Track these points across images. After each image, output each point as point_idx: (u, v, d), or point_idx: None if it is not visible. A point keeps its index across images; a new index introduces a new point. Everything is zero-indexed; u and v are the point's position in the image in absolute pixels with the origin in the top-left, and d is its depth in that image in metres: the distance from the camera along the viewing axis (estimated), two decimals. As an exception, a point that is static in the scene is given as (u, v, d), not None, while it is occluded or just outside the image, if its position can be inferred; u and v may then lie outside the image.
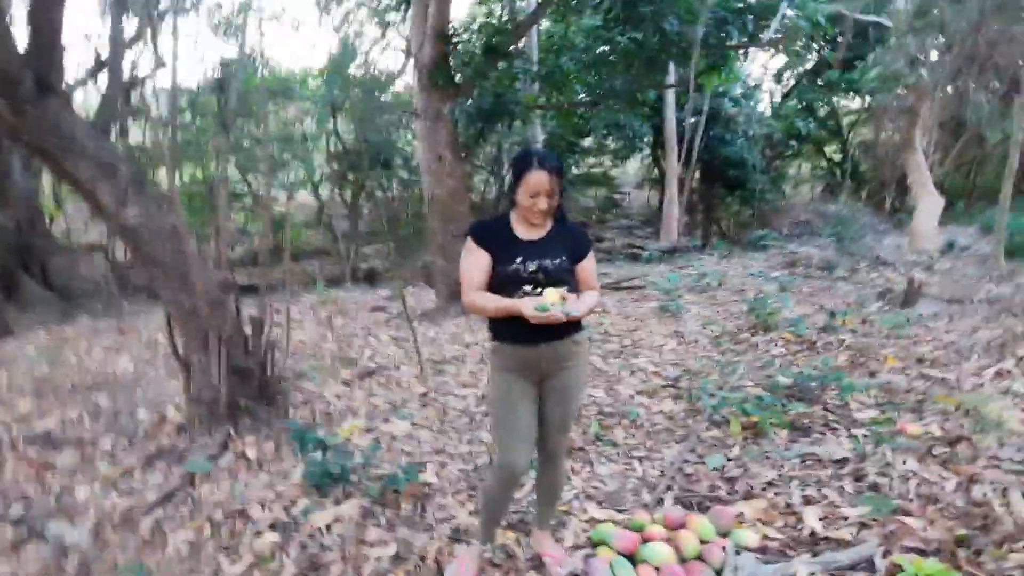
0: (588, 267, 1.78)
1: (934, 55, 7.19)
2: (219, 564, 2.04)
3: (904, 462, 2.41)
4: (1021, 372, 3.45)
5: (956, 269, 7.09)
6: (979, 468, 2.33)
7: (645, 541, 1.95)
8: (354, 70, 11.16)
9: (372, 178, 14.02)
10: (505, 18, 6.81)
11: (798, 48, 11.70)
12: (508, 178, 1.84)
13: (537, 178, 1.61)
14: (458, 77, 5.87)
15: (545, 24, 8.09)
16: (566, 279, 1.68)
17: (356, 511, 2.26)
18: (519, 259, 1.64)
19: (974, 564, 1.80)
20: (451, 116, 5.95)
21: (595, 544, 2.00)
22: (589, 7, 6.16)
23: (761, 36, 6.00)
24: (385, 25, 10.45)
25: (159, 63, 6.28)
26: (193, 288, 2.88)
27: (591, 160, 17.08)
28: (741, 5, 5.27)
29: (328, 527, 2.19)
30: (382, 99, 10.74)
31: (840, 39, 11.97)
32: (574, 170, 15.70)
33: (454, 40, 5.62)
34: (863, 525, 2.03)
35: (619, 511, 2.21)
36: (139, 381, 4.16)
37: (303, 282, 9.67)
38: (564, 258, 1.69)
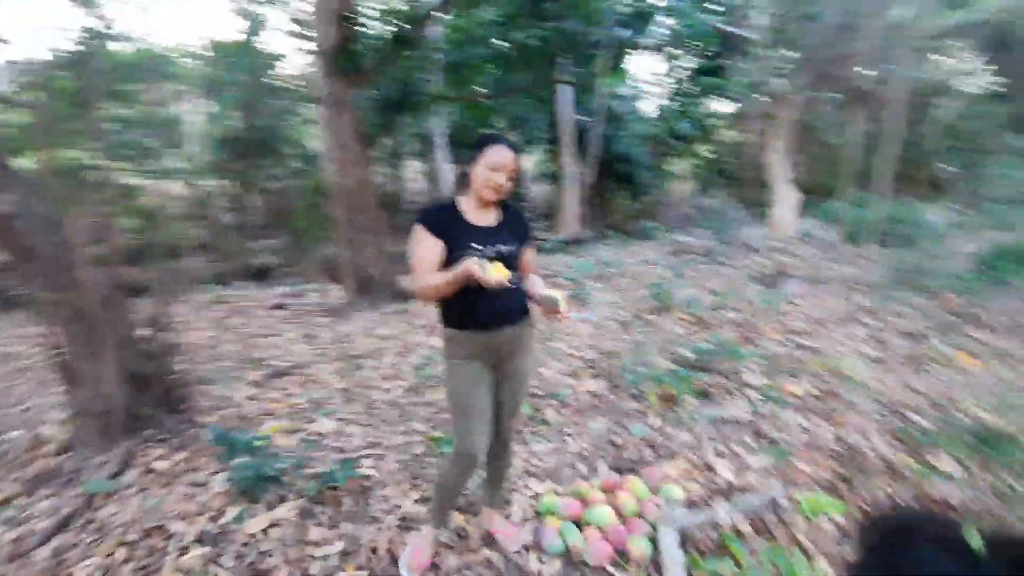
0: (529, 254, 1.82)
1: (790, 67, 8.25)
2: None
3: (791, 417, 2.80)
4: (869, 337, 4.14)
5: (810, 254, 8.21)
6: (848, 418, 2.79)
7: (587, 506, 2.09)
8: (239, 50, 10.22)
9: (261, 167, 13.00)
10: (409, 6, 6.65)
11: (680, 53, 12.74)
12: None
13: (501, 153, 1.62)
14: (363, 64, 5.66)
15: (448, 16, 8.04)
16: (517, 265, 1.72)
17: (293, 513, 2.16)
18: (474, 243, 1.63)
19: (853, 494, 2.17)
20: (356, 104, 5.73)
21: (542, 515, 2.11)
22: (495, 2, 6.26)
23: (648, 41, 6.50)
24: (271, 2, 9.70)
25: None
26: (79, 285, 2.54)
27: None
28: (632, 10, 5.65)
29: (265, 532, 2.07)
30: (270, 82, 9.96)
31: (710, 49, 13.21)
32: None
33: (359, 24, 5.41)
34: (766, 472, 2.35)
35: (559, 484, 2.34)
36: (-4, 399, 3.58)
37: (188, 281, 8.73)
38: (516, 244, 1.72)
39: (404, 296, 6.27)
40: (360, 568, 1.90)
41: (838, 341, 3.99)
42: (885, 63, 7.47)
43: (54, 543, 2.08)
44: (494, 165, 1.63)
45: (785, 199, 9.97)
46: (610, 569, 1.85)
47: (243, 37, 8.70)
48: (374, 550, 1.97)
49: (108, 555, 2.01)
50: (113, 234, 3.06)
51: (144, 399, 2.86)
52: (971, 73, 12.99)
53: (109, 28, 8.78)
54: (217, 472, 2.49)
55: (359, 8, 5.38)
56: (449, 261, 1.63)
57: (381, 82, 5.91)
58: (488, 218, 1.72)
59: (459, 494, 1.85)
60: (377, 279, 6.14)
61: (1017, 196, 10.12)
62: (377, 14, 6.62)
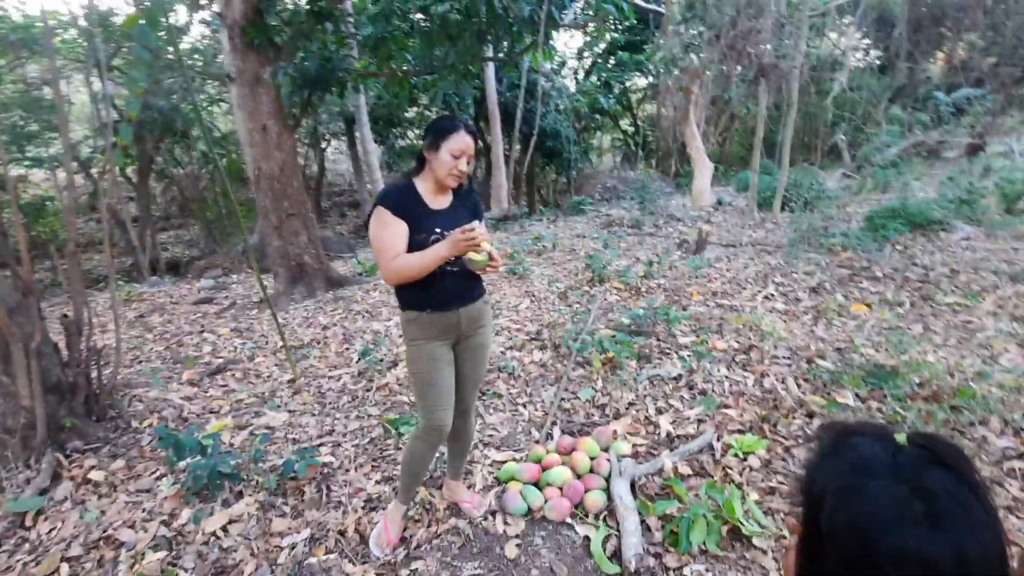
0: (481, 229, 1.90)
1: (703, 43, 8.68)
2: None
3: (718, 370, 3.08)
4: (779, 294, 4.56)
5: (725, 221, 8.80)
6: (766, 367, 3.10)
7: (545, 469, 2.23)
8: (143, 24, 9.24)
9: (162, 152, 11.96)
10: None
11: (600, 28, 12.96)
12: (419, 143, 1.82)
13: (463, 139, 1.65)
14: (277, 39, 5.35)
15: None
16: None
17: (254, 507, 2.14)
18: (437, 228, 1.67)
19: (774, 433, 2.46)
20: (273, 81, 5.42)
21: (503, 481, 2.22)
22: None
23: (566, 17, 6.57)
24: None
25: None
26: (-19, 292, 2.31)
27: (413, 133, 16.87)
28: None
29: (224, 530, 2.05)
30: (170, 58, 9.10)
31: (625, 23, 13.54)
32: (400, 142, 15.39)
33: (270, -3, 5.09)
34: (700, 421, 2.59)
35: (516, 451, 2.47)
36: None
37: (88, 279, 7.95)
38: (470, 222, 1.73)
39: (339, 282, 6.12)
40: (330, 552, 1.93)
41: (753, 300, 4.38)
42: (784, 39, 8.04)
43: (-14, 568, 1.94)
44: (457, 151, 1.65)
45: (702, 170, 10.57)
46: (570, 522, 2.00)
47: (133, 9, 7.85)
48: (342, 533, 2.01)
49: (50, 573, 1.90)
50: (7, 232, 2.77)
51: (66, 409, 2.67)
52: (856, 48, 14.24)
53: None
54: (161, 476, 2.41)
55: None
56: (414, 244, 1.66)
57: (297, 58, 5.61)
58: (444, 200, 1.76)
59: (427, 468, 1.92)
60: (310, 266, 5.94)
61: (894, 161, 11.32)
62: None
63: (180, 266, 11.83)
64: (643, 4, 11.82)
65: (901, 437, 0.59)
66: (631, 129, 19.39)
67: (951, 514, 0.51)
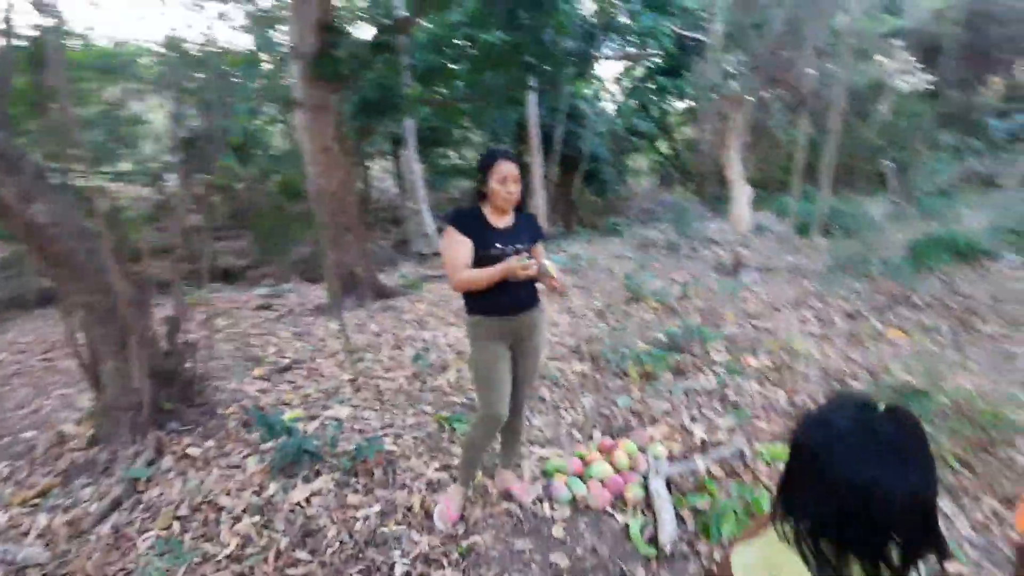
0: (541, 248, 2.18)
1: (743, 70, 8.87)
2: (204, 551, 2.10)
3: (751, 386, 3.25)
4: (814, 318, 4.67)
5: (764, 245, 8.86)
6: (797, 385, 3.25)
7: (587, 464, 2.46)
8: (196, 48, 10.11)
9: (226, 168, 12.82)
10: (384, 12, 6.85)
11: (640, 55, 13.28)
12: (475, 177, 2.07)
13: (505, 166, 1.94)
14: (343, 69, 5.85)
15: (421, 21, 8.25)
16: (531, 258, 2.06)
17: (330, 484, 2.44)
18: (498, 244, 1.95)
19: (802, 443, 2.61)
20: (337, 108, 5.91)
21: (550, 474, 2.46)
22: (463, 5, 6.53)
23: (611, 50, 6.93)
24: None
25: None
26: (110, 288, 2.72)
27: (454, 153, 17.46)
28: (597, 20, 6.05)
29: (307, 501, 2.35)
30: (239, 82, 9.88)
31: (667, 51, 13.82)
32: (442, 161, 15.99)
33: (340, 31, 5.59)
34: (731, 431, 2.77)
35: (561, 449, 2.70)
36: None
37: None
38: (529, 243, 2.05)
39: (387, 294, 6.51)
40: (398, 524, 2.21)
41: (789, 322, 4.50)
42: (827, 66, 8.15)
43: (110, 522, 2.29)
44: (502, 178, 1.94)
45: (740, 194, 10.64)
46: (610, 511, 2.22)
47: (232, 45, 8.65)
48: (409, 509, 2.28)
49: (165, 528, 2.24)
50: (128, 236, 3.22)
51: (166, 394, 3.06)
52: (906, 72, 14.09)
53: (63, 24, 8.54)
54: (248, 455, 2.74)
55: (338, 17, 5.55)
56: (478, 256, 1.94)
57: (359, 87, 6.11)
58: (506, 221, 2.04)
59: (483, 455, 2.19)
60: (361, 277, 6.35)
61: (943, 189, 11.11)
62: (352, 18, 6.79)
63: (233, 274, 12.57)
64: (683, 32, 12.09)
65: (880, 404, 0.83)
66: (669, 152, 19.52)
67: (885, 453, 0.75)
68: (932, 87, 14.02)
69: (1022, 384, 3.17)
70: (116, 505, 2.39)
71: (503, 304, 1.98)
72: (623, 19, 5.70)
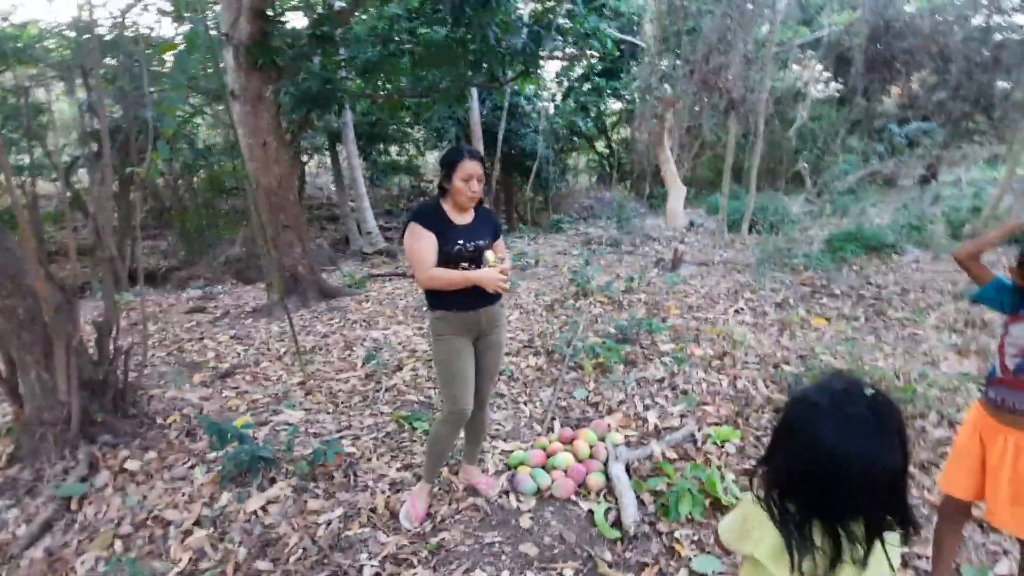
0: (500, 246, 2.20)
1: (677, 75, 9.28)
2: (153, 569, 1.98)
3: (697, 373, 3.43)
4: (748, 309, 4.98)
5: (698, 241, 9.33)
6: (738, 371, 3.47)
7: (550, 456, 2.51)
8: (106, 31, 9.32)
9: (144, 162, 11.90)
10: (324, 3, 6.60)
11: (580, 55, 13.55)
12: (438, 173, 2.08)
13: (470, 165, 1.95)
14: (280, 60, 5.60)
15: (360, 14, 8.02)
16: None
17: (288, 490, 2.36)
18: (460, 241, 1.98)
19: (746, 425, 2.80)
20: (274, 99, 5.65)
21: (513, 466, 2.50)
22: (408, 2, 6.43)
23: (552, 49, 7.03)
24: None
25: None
26: (30, 292, 2.48)
27: (396, 149, 17.15)
28: (536, 19, 6.15)
29: (264, 510, 2.26)
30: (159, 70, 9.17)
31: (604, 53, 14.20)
32: (382, 157, 15.65)
33: (276, 19, 5.35)
34: (682, 416, 2.92)
35: (522, 442, 2.75)
36: None
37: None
38: (489, 239, 2.09)
39: (331, 294, 6.31)
40: (363, 526, 2.17)
41: (725, 313, 4.78)
42: (752, 72, 8.68)
43: (42, 545, 2.11)
44: (466, 176, 1.95)
45: (675, 192, 11.14)
46: (575, 499, 2.29)
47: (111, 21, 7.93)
48: (373, 510, 2.24)
49: (106, 547, 2.09)
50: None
51: (97, 405, 2.84)
52: (818, 81, 15.23)
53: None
54: (194, 466, 2.60)
55: (274, 3, 5.31)
56: (441, 253, 1.96)
57: (297, 78, 5.88)
58: (466, 217, 2.07)
59: (450, 449, 2.18)
60: (304, 277, 6.12)
61: (851, 188, 12.13)
62: (289, 7, 6.51)
63: (157, 276, 11.72)
64: (620, 35, 12.47)
65: (868, 390, 0.91)
66: (606, 151, 20.06)
67: (852, 425, 0.84)
68: (841, 94, 15.27)
69: (930, 363, 3.54)
70: (47, 527, 2.20)
71: (466, 299, 2.00)
72: (563, 21, 5.80)
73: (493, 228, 2.15)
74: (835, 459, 0.85)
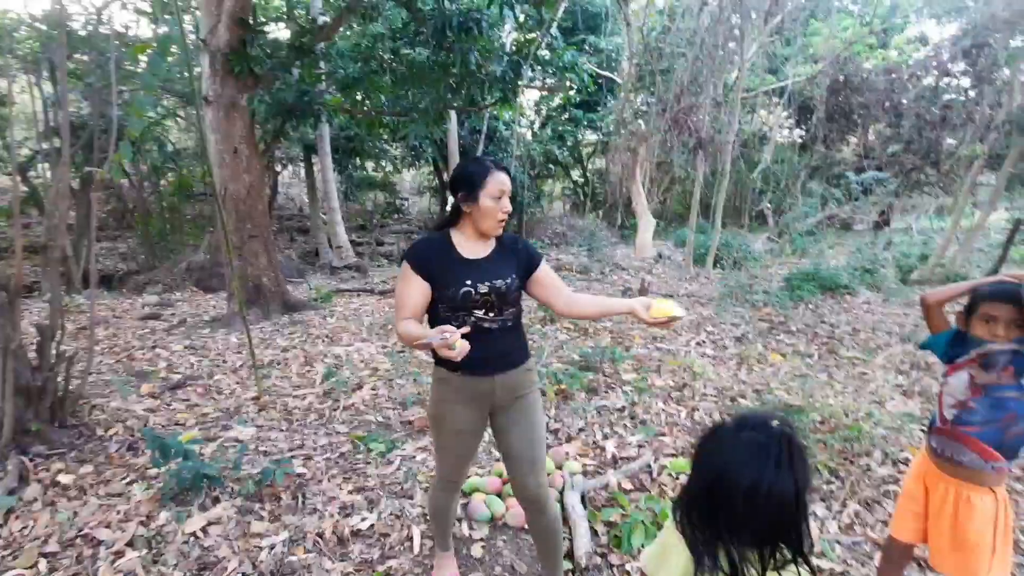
0: (549, 273, 1.68)
1: (651, 112, 9.63)
2: (77, 593, 1.86)
3: (656, 404, 3.48)
4: (710, 341, 5.10)
5: (665, 272, 9.55)
6: (696, 403, 3.53)
7: (506, 483, 2.49)
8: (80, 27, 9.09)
9: (116, 162, 11.54)
10: (306, 16, 6.62)
11: (560, 86, 13.91)
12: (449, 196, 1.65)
13: (500, 178, 1.53)
14: (257, 68, 5.57)
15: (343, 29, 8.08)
16: (516, 297, 1.61)
17: (231, 511, 2.26)
18: (467, 281, 1.51)
19: (701, 457, 2.84)
20: (248, 107, 5.60)
21: (468, 493, 2.46)
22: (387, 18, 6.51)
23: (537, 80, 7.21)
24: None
25: None
26: (-33, 292, 2.36)
27: (371, 164, 17.11)
28: (517, 48, 6.32)
29: (204, 531, 2.16)
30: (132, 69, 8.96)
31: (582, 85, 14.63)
32: (358, 172, 15.58)
33: (258, 29, 5.33)
34: (640, 446, 2.95)
35: (479, 467, 2.71)
36: None
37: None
38: (514, 276, 1.58)
39: (295, 307, 6.18)
40: (308, 551, 2.09)
41: (688, 345, 4.88)
42: (720, 115, 9.09)
43: (-45, 564, 1.96)
44: (497, 192, 1.53)
45: (645, 224, 11.42)
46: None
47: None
48: (320, 535, 2.17)
49: (30, 567, 1.96)
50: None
51: (33, 413, 2.69)
52: (782, 126, 16.00)
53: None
54: (132, 482, 2.47)
55: (256, 11, 5.29)
56: (441, 299, 1.55)
57: (274, 88, 5.84)
58: (483, 250, 1.60)
59: (454, 513, 1.92)
60: (267, 288, 5.98)
61: (810, 230, 12.67)
62: (272, 18, 6.50)
63: (113, 280, 11.26)
64: (598, 71, 12.89)
65: (774, 422, 0.96)
66: (581, 180, 20.47)
67: (746, 451, 0.90)
68: (803, 141, 16.07)
69: (877, 403, 3.68)
70: (-38, 545, 2.05)
71: (473, 359, 1.43)
72: (543, 52, 5.97)
73: (522, 259, 1.64)
74: (721, 478, 0.92)
